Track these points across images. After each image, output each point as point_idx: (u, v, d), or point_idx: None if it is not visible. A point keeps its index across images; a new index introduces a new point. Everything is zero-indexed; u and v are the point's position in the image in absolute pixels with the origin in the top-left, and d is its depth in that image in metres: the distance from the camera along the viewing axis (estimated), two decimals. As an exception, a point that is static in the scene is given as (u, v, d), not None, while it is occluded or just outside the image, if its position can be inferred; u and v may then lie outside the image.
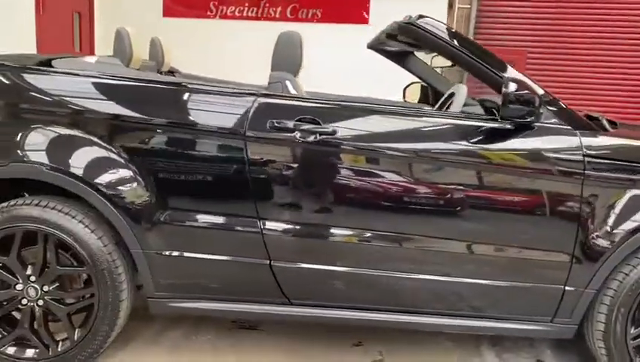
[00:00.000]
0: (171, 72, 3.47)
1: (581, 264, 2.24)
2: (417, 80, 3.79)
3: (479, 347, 2.77)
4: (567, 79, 5.95)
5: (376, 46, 3.46)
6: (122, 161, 2.22)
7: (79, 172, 2.19)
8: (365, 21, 6.33)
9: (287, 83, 2.42)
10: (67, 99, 2.25)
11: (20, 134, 2.23)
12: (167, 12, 6.72)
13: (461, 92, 2.60)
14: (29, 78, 2.28)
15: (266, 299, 2.34)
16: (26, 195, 2.33)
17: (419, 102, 3.71)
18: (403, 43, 2.93)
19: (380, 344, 2.72)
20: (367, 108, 2.31)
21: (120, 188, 2.21)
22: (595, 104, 5.87)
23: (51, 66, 2.36)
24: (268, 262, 2.26)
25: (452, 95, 2.81)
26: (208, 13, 6.67)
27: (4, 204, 2.22)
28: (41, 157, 2.19)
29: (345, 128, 2.21)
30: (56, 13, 5.99)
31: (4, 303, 2.28)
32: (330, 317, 2.35)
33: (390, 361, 2.59)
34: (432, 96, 3.58)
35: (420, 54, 3.56)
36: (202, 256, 2.26)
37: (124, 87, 2.30)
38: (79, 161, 2.20)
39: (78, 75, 2.29)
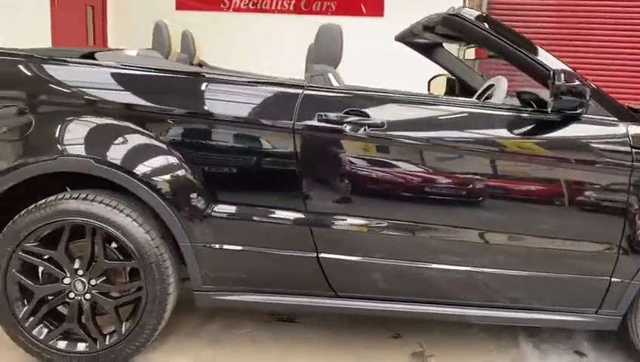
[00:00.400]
0: (200, 65, 3.46)
1: (628, 255, 2.25)
2: (442, 72, 3.79)
3: (516, 338, 2.78)
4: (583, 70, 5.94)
5: (406, 38, 3.45)
6: (171, 154, 2.22)
7: (129, 166, 2.18)
8: (380, 13, 6.30)
9: (330, 76, 2.42)
10: (115, 92, 2.24)
11: (68, 128, 2.22)
12: (180, 5, 6.69)
13: (502, 84, 2.59)
14: (75, 70, 2.28)
15: (312, 292, 2.34)
16: (68, 190, 2.32)
17: (445, 95, 3.70)
18: (440, 35, 2.92)
19: (417, 336, 2.73)
20: (415, 100, 2.31)
21: (170, 182, 2.21)
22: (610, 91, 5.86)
23: (95, 60, 2.35)
24: (315, 254, 2.26)
25: (490, 87, 2.81)
26: (221, 6, 6.64)
27: (52, 198, 2.21)
28: (91, 151, 2.19)
29: (394, 120, 2.21)
30: (69, 7, 5.97)
31: (52, 297, 2.28)
32: (376, 310, 2.36)
33: (430, 353, 2.60)
34: (459, 88, 3.57)
35: (448, 47, 3.56)
36: (250, 249, 2.27)
37: (171, 80, 2.30)
38: (129, 154, 2.21)
39: (123, 67, 2.28)
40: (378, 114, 2.21)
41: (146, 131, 2.22)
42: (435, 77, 3.87)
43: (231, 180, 2.25)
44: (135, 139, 2.22)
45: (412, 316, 2.43)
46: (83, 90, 2.24)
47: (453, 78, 3.63)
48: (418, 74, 3.98)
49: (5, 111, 2.22)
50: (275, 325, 2.80)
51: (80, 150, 2.19)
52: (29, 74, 2.27)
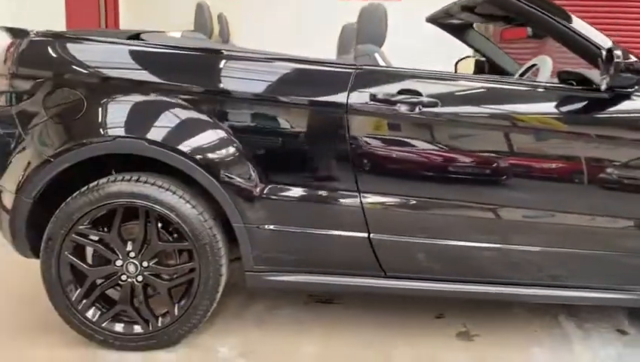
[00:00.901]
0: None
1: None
2: (470, 54, 3.78)
3: (557, 317, 2.80)
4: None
5: (438, 19, 3.43)
6: (225, 135, 2.21)
7: (184, 148, 2.18)
8: (397, -4, 6.24)
9: (376, 55, 2.40)
10: (170, 73, 2.23)
11: (122, 109, 2.21)
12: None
13: (547, 64, 2.58)
14: (128, 51, 2.26)
15: (362, 272, 2.35)
16: (114, 173, 2.31)
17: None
18: (480, 15, 2.90)
19: (460, 316, 2.74)
20: (466, 78, 2.30)
21: (224, 163, 2.21)
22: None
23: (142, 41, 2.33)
24: (367, 234, 2.26)
25: (532, 67, 2.80)
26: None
27: (104, 181, 2.20)
28: (145, 133, 2.18)
29: (447, 100, 2.20)
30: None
31: (104, 280, 2.28)
32: (424, 289, 2.37)
33: (475, 332, 2.61)
34: (489, 70, 3.55)
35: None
36: (302, 230, 2.27)
37: (225, 60, 2.29)
38: (184, 136, 2.20)
39: (177, 49, 2.26)
40: (431, 93, 2.20)
41: (200, 112, 2.21)
42: (462, 59, 3.85)
43: (284, 161, 2.25)
44: (189, 120, 2.21)
45: (459, 296, 2.44)
46: (136, 71, 2.23)
47: (482, 59, 3.61)
48: (441, 55, 3.96)
49: (57, 93, 2.20)
50: (315, 306, 2.81)
51: (134, 131, 2.18)
52: (80, 55, 2.25)
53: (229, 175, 2.20)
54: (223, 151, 2.21)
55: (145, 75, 2.23)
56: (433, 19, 3.50)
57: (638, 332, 2.70)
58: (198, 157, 2.18)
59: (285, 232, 2.27)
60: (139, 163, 2.26)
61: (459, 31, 3.52)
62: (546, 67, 2.57)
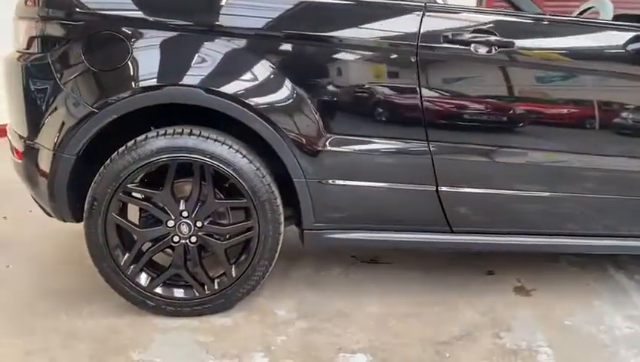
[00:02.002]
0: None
1: None
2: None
3: (607, 270, 2.76)
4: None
5: None
6: (287, 83, 2.04)
7: (244, 97, 2.00)
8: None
9: (444, -5, 2.25)
10: (225, 15, 2.04)
11: (172, 55, 2.02)
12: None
13: (606, 6, 2.46)
14: None
15: (427, 228, 2.24)
16: (152, 128, 2.12)
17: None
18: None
19: (511, 272, 2.67)
20: (540, 18, 2.17)
21: (286, 113, 2.05)
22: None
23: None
24: (435, 188, 2.14)
25: (586, 10, 2.69)
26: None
27: (153, 135, 2.02)
28: (200, 81, 1.99)
29: (523, 40, 2.07)
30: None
31: (155, 242, 2.11)
32: (490, 243, 2.27)
33: (531, 287, 2.55)
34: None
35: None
36: (368, 184, 2.14)
37: (281, 1, 2.08)
38: (242, 84, 2.02)
39: None
40: (506, 34, 2.06)
41: (258, 58, 2.03)
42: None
43: (349, 110, 2.10)
44: (248, 67, 2.03)
45: (523, 249, 2.38)
46: (188, 12, 2.02)
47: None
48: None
49: (98, 37, 1.99)
50: (363, 266, 2.72)
51: (189, 79, 1.99)
52: None
53: (291, 126, 2.04)
54: (286, 100, 2.04)
55: (198, 16, 2.03)
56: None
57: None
58: (259, 107, 2.01)
59: (349, 187, 2.13)
60: (180, 115, 2.08)
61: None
62: (605, 9, 2.45)
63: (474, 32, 2.05)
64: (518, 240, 2.29)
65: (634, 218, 2.27)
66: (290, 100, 2.04)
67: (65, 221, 2.20)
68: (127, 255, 2.12)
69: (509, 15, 2.19)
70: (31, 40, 2.05)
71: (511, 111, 2.11)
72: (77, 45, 1.99)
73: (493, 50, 2.03)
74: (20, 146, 2.13)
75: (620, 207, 2.23)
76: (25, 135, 2.10)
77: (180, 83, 1.98)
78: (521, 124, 2.13)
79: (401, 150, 2.11)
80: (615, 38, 2.13)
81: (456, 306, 2.37)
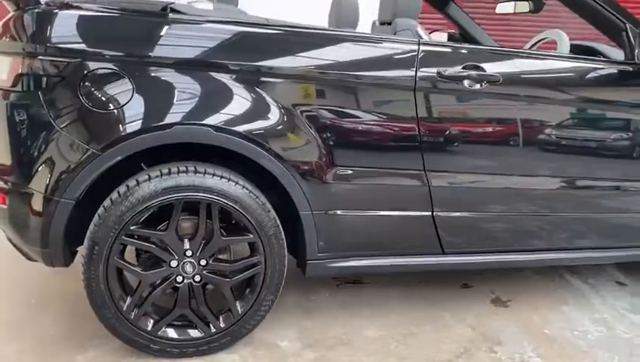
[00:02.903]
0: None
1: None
2: (441, 28, 3.85)
3: (563, 276, 3.02)
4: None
5: None
6: (293, 118, 2.05)
7: (252, 134, 1.99)
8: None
9: (419, 29, 2.36)
10: (228, 51, 2.01)
11: (177, 93, 1.95)
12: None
13: (564, 38, 2.70)
14: (180, 26, 2.00)
15: (421, 251, 2.34)
16: (144, 167, 2.06)
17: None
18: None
19: (486, 284, 2.86)
20: (522, 54, 2.35)
21: (292, 148, 2.06)
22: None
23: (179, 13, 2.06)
24: (431, 213, 2.25)
25: (539, 41, 2.92)
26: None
27: (156, 174, 1.96)
28: (210, 119, 1.95)
29: (508, 74, 2.23)
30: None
31: (159, 284, 2.05)
32: (479, 263, 2.42)
33: (507, 298, 2.73)
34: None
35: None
36: (369, 213, 2.20)
37: (279, 37, 2.10)
38: (250, 121, 2.00)
39: (229, 23, 2.03)
40: (492, 69, 2.21)
41: (263, 94, 2.02)
42: (433, 32, 3.91)
43: (352, 143, 2.15)
44: (254, 103, 2.02)
45: (509, 265, 2.54)
46: (193, 49, 1.97)
47: (455, 33, 3.70)
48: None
49: (98, 75, 1.89)
50: (348, 288, 2.78)
51: (196, 118, 1.94)
52: (122, 30, 1.95)
53: (298, 160, 2.06)
54: (292, 136, 2.05)
55: (203, 54, 1.99)
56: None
57: (632, 282, 3.00)
58: (268, 143, 2.01)
59: (352, 216, 2.19)
60: (174, 153, 2.02)
61: (441, 4, 3.57)
62: (563, 41, 2.69)
63: (465, 67, 2.17)
64: (501, 257, 2.46)
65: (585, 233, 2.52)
66: (297, 136, 2.06)
67: (53, 266, 2.06)
68: (129, 299, 2.03)
69: (497, 52, 2.34)
70: (18, 77, 1.90)
71: (498, 141, 2.28)
72: (73, 83, 1.88)
73: (480, 86, 2.17)
74: (4, 192, 1.98)
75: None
76: (13, 179, 1.95)
77: (190, 122, 1.93)
78: (508, 152, 2.30)
79: (400, 179, 2.20)
80: (581, 70, 2.36)
81: (446, 322, 2.49)
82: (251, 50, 2.02)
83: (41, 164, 1.90)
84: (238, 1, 2.62)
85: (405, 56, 2.15)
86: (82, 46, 1.89)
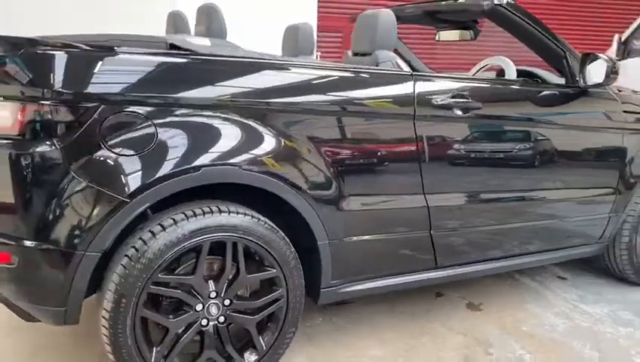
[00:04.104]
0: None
1: (621, 195, 2.95)
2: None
3: (514, 277, 3.36)
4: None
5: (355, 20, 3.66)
6: (310, 152, 2.10)
7: (277, 170, 2.01)
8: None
9: (398, 60, 2.54)
10: (245, 89, 2.01)
11: (200, 134, 1.92)
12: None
13: (510, 64, 3.02)
14: (198, 65, 1.97)
15: (417, 268, 2.50)
16: (150, 213, 1.98)
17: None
18: (440, 20, 3.20)
19: (454, 291, 3.08)
20: (490, 81, 2.61)
21: (313, 181, 2.10)
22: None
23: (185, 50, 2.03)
24: (429, 232, 2.42)
25: (483, 67, 3.24)
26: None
27: (181, 217, 1.91)
28: (236, 159, 1.94)
29: (487, 101, 2.48)
30: None
31: (185, 330, 1.98)
32: (468, 273, 2.64)
33: (478, 302, 2.99)
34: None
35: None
36: (377, 237, 2.31)
37: (301, 74, 2.16)
38: (274, 158, 2.02)
39: (250, 60, 2.04)
40: (474, 96, 2.44)
41: (281, 130, 2.05)
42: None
43: (363, 172, 2.24)
44: (275, 141, 2.04)
45: (482, 274, 2.77)
46: (211, 88, 1.95)
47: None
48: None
49: (120, 118, 1.81)
50: (337, 309, 2.85)
51: (222, 158, 1.92)
52: (137, 73, 1.86)
53: (317, 192, 2.11)
54: (312, 169, 2.10)
55: (221, 93, 1.97)
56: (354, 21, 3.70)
57: (571, 276, 3.42)
58: (291, 178, 2.04)
59: (363, 241, 2.28)
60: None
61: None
62: (510, 67, 3.01)
63: (453, 96, 2.37)
64: (479, 267, 2.69)
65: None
66: (316, 169, 2.11)
67: (64, 324, 1.91)
68: (154, 350, 1.94)
69: (475, 80, 2.57)
70: (27, 124, 1.75)
71: (485, 162, 2.51)
72: (92, 129, 1.77)
73: (466, 113, 2.39)
74: (11, 250, 1.80)
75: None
76: (23, 236, 1.78)
77: (217, 163, 1.91)
78: (494, 171, 2.55)
79: (404, 203, 2.34)
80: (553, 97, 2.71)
81: (437, 331, 2.66)
82: (264, 87, 2.05)
83: (60, 217, 1.77)
84: (226, 35, 2.60)
85: (404, 87, 2.29)
86: (101, 89, 1.79)
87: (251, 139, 1.99)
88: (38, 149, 1.74)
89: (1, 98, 1.80)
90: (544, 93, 2.72)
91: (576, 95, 2.79)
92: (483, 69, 3.33)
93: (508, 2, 2.65)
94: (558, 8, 7.82)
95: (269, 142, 2.03)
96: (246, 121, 1.99)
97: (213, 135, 1.94)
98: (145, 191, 1.80)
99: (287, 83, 2.12)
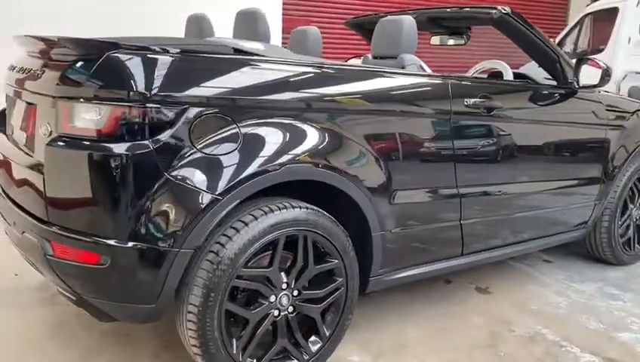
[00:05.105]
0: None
1: (604, 184, 3.31)
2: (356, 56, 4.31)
3: (508, 263, 3.65)
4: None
5: (359, 24, 3.86)
6: (367, 150, 2.25)
7: (344, 166, 2.16)
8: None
9: (422, 63, 2.74)
10: (313, 92, 2.14)
11: (284, 134, 2.03)
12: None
13: (507, 67, 3.31)
14: (273, 69, 2.08)
15: (447, 255, 2.71)
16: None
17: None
18: (442, 27, 3.43)
19: (462, 277, 3.33)
20: (509, 83, 2.89)
21: (371, 176, 2.26)
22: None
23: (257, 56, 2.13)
24: (459, 221, 2.64)
25: (479, 70, 3.52)
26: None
27: (261, 213, 2.00)
28: (311, 157, 2.07)
29: (506, 102, 2.73)
30: None
31: (261, 321, 2.08)
32: (486, 258, 2.88)
33: (485, 286, 3.25)
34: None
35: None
36: (418, 227, 2.50)
37: (353, 78, 2.31)
38: (341, 156, 2.17)
39: (320, 66, 2.18)
40: (497, 97, 2.69)
41: (345, 130, 2.20)
42: (349, 59, 4.34)
43: (407, 167, 2.42)
44: (341, 140, 2.18)
45: (502, 258, 3.04)
46: (288, 91, 2.07)
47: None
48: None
49: (207, 121, 1.88)
50: (361, 300, 3.00)
51: (303, 157, 2.05)
52: (225, 77, 1.95)
53: (373, 186, 2.27)
54: (370, 165, 2.26)
55: (296, 96, 2.09)
56: (354, 24, 3.90)
57: (556, 259, 3.77)
58: (355, 174, 2.19)
59: (406, 232, 2.46)
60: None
61: (369, 35, 3.99)
62: (507, 70, 3.30)
63: (481, 97, 2.61)
64: (497, 252, 2.94)
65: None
66: (373, 165, 2.27)
67: (147, 322, 1.96)
68: (234, 341, 2.02)
69: (497, 82, 2.82)
70: (119, 127, 1.79)
71: (507, 156, 2.77)
72: (183, 130, 1.84)
73: (491, 112, 2.63)
74: (102, 250, 1.82)
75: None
76: (117, 236, 1.81)
77: (295, 161, 2.02)
78: (515, 164, 2.80)
79: (441, 195, 2.55)
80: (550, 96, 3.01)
81: (459, 314, 2.89)
82: (340, 91, 2.20)
83: (155, 216, 1.81)
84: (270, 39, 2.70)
85: (443, 89, 2.50)
86: (190, 92, 1.86)
87: (322, 139, 2.12)
88: (132, 151, 1.78)
89: (82, 100, 1.82)
90: (549, 93, 3.02)
91: (571, 95, 3.11)
92: (478, 71, 3.60)
93: (513, 11, 2.91)
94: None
95: (336, 141, 2.16)
96: (316, 122, 2.13)
97: (291, 135, 2.05)
98: (237, 188, 1.89)
99: (351, 86, 2.28)
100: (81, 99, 1.81)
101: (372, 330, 2.67)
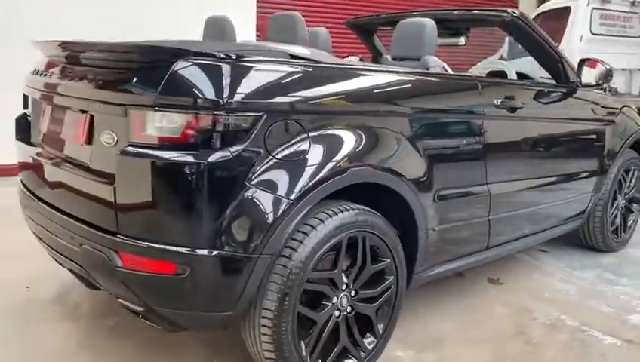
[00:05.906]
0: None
1: (600, 176, 3.54)
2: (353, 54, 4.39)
3: (516, 256, 3.81)
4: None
5: (358, 25, 3.94)
6: (414, 151, 2.32)
7: (398, 168, 2.23)
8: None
9: (445, 66, 2.84)
10: (379, 97, 2.24)
11: (347, 139, 2.07)
12: None
13: (510, 68, 3.46)
14: (333, 74, 2.12)
15: (475, 250, 2.83)
16: None
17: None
18: (449, 29, 3.53)
19: (472, 270, 3.44)
20: (526, 84, 3.02)
21: (420, 177, 2.33)
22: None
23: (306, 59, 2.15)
24: (487, 216, 2.76)
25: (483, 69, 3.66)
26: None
27: (324, 216, 2.04)
28: (371, 160, 2.14)
29: (526, 102, 2.88)
30: None
31: (326, 322, 2.11)
32: (505, 251, 3.02)
33: (496, 277, 3.40)
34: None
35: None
36: (454, 225, 2.59)
37: (405, 81, 2.39)
38: (394, 157, 2.23)
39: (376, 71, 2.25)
40: (519, 97, 2.83)
41: (397, 132, 2.26)
42: (346, 56, 4.42)
43: (447, 167, 2.50)
44: (394, 142, 2.25)
45: (517, 250, 3.19)
46: (348, 96, 2.12)
47: (365, 58, 4.27)
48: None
49: (280, 128, 1.89)
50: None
51: (362, 160, 2.10)
52: (293, 83, 1.97)
53: (420, 186, 2.34)
54: (418, 166, 2.33)
55: (358, 100, 2.15)
56: (353, 24, 3.97)
57: (550, 249, 3.97)
58: (407, 175, 2.25)
59: (445, 229, 2.54)
60: None
61: (367, 35, 4.08)
62: (511, 70, 3.45)
63: (506, 97, 2.73)
64: (514, 245, 3.09)
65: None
66: (421, 166, 2.34)
67: (224, 328, 1.97)
68: (303, 344, 2.05)
69: (516, 83, 2.96)
70: (197, 134, 1.77)
71: (533, 152, 2.94)
72: (259, 137, 1.84)
73: (513, 112, 2.76)
74: (180, 260, 1.80)
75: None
76: (197, 244, 1.79)
77: (359, 165, 2.07)
78: (534, 160, 2.96)
79: (474, 192, 2.65)
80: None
81: (482, 305, 3.02)
82: (394, 94, 2.27)
83: (235, 223, 1.81)
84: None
85: (475, 90, 2.61)
86: (265, 99, 1.87)
87: (379, 142, 2.18)
88: (211, 158, 1.76)
89: (157, 108, 1.79)
90: (557, 92, 3.20)
91: (573, 94, 3.29)
92: (481, 72, 3.74)
93: (522, 14, 3.06)
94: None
95: (391, 144, 2.23)
96: (374, 125, 2.18)
97: (354, 140, 2.09)
98: (310, 193, 1.92)
99: (407, 90, 2.38)
100: (157, 108, 1.77)
101: (405, 326, 2.74)
